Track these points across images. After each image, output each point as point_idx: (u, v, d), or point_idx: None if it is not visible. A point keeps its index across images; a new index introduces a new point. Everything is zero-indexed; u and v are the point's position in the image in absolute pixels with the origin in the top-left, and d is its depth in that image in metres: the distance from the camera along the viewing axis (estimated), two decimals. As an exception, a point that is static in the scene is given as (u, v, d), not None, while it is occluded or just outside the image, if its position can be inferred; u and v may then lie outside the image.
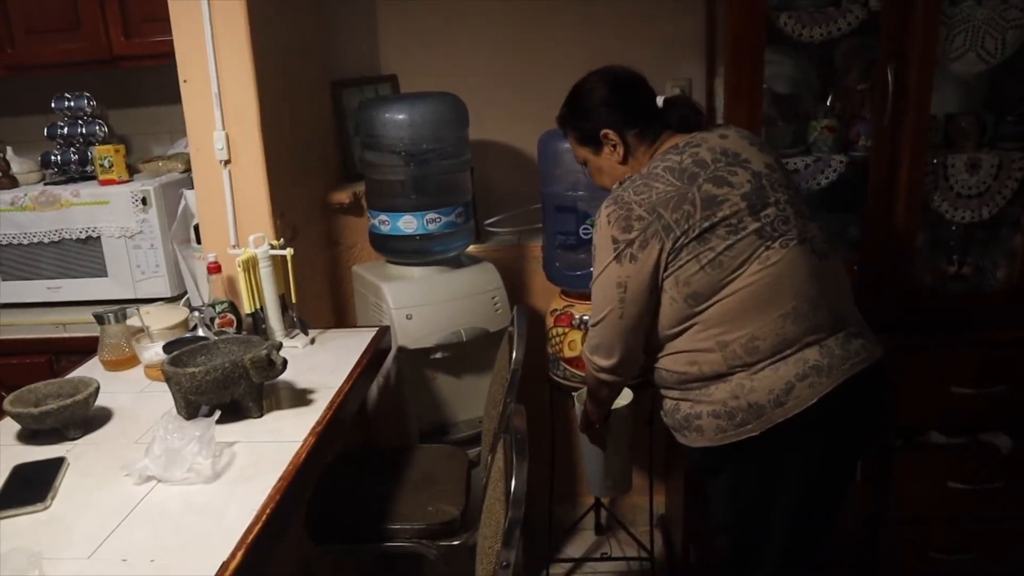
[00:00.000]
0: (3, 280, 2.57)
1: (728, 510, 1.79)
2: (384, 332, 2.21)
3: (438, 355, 2.37)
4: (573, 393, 2.41)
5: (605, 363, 1.77)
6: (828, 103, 2.42)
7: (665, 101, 1.85)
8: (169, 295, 2.51)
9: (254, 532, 1.30)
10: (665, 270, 1.65)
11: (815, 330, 1.63)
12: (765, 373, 1.62)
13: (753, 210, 1.64)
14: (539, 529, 2.78)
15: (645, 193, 1.66)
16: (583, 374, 2.31)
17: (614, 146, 1.80)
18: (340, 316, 2.70)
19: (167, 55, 2.16)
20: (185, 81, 2.13)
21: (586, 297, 2.16)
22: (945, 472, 2.37)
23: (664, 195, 1.64)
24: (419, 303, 2.33)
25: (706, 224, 1.62)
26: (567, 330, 2.43)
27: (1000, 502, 2.37)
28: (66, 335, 2.45)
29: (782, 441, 1.63)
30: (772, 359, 1.62)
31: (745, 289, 1.62)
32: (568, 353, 2.43)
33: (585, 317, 2.34)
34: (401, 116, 2.30)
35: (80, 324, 2.39)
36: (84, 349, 2.14)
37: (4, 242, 2.53)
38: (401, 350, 2.32)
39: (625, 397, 2.26)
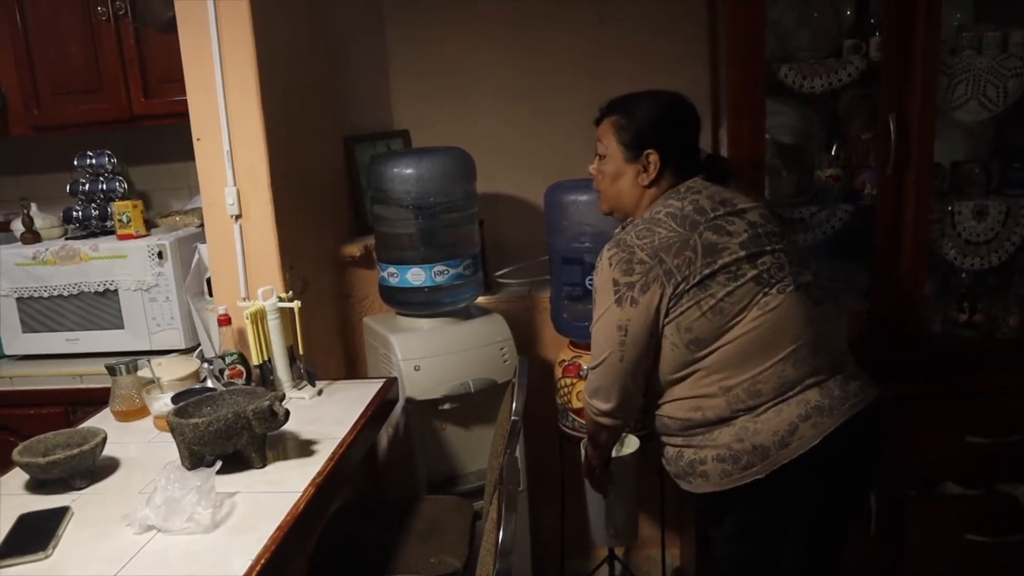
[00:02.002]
0: (24, 332, 2.63)
1: (736, 555, 1.79)
2: (391, 383, 2.23)
3: (446, 406, 2.38)
4: (582, 442, 2.40)
5: (603, 406, 1.78)
6: (833, 152, 2.44)
7: (707, 156, 1.87)
8: (183, 347, 2.55)
9: (248, 582, 1.31)
10: (666, 316, 1.67)
11: (815, 372, 1.65)
12: (768, 415, 1.63)
13: (751, 258, 1.66)
14: (551, 582, 2.76)
15: (648, 237, 1.69)
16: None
17: (645, 168, 1.79)
18: (352, 367, 2.72)
19: (185, 114, 2.22)
20: (199, 139, 2.19)
21: (593, 347, 2.17)
22: (961, 524, 2.32)
23: (667, 240, 1.67)
24: (427, 354, 2.35)
25: (707, 271, 1.64)
26: (575, 381, 2.43)
27: (1020, 555, 2.31)
28: (82, 386, 2.50)
29: (787, 482, 1.63)
30: (774, 401, 1.63)
31: (746, 335, 1.64)
32: (576, 404, 2.43)
33: (591, 367, 2.35)
34: (408, 171, 2.35)
35: (96, 375, 2.43)
36: (99, 400, 2.17)
37: (26, 295, 2.59)
38: (409, 401, 2.33)
39: (630, 445, 2.26)
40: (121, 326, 2.57)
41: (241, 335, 2.18)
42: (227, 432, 1.65)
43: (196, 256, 2.50)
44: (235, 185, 2.19)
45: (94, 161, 2.76)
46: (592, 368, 1.79)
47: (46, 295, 2.59)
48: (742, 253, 1.66)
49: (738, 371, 1.64)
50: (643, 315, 1.67)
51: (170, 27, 2.18)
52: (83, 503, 1.61)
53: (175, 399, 1.88)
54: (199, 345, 2.54)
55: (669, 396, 1.74)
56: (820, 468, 1.63)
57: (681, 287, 1.64)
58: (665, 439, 1.81)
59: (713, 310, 1.64)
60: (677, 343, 1.67)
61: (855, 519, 1.79)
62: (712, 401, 1.67)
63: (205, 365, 2.09)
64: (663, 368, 1.72)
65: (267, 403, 1.68)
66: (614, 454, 2.12)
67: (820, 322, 1.68)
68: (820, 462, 1.62)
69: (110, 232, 2.70)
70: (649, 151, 1.78)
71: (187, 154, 2.25)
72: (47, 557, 1.42)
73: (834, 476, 1.66)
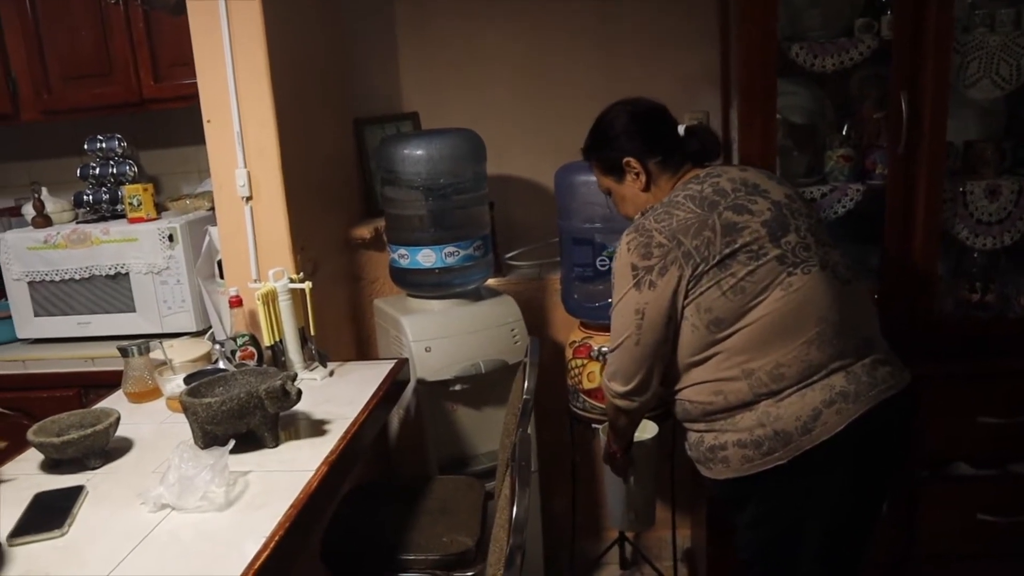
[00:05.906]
0: (36, 316, 2.64)
1: (756, 541, 1.77)
2: (402, 364, 2.23)
3: (457, 387, 2.38)
4: (595, 426, 2.41)
5: (620, 389, 1.78)
6: (844, 132, 2.41)
7: (686, 130, 1.88)
8: (195, 329, 2.56)
9: (262, 559, 1.31)
10: (686, 297, 1.66)
11: (840, 356, 1.63)
12: (791, 400, 1.61)
13: (773, 237, 1.65)
14: (563, 563, 2.76)
15: (666, 221, 1.68)
16: (603, 405, 2.31)
17: (636, 174, 1.83)
18: (363, 349, 2.73)
19: (195, 97, 2.22)
20: (208, 121, 2.19)
21: (604, 329, 2.17)
22: (974, 504, 2.31)
23: (685, 222, 1.66)
24: (438, 336, 2.35)
25: (727, 251, 1.63)
26: (586, 362, 2.43)
27: (1032, 535, 2.31)
28: (95, 368, 2.51)
29: (809, 469, 1.62)
30: (798, 386, 1.61)
31: (768, 316, 1.62)
32: (587, 385, 2.43)
33: (603, 348, 2.35)
34: (419, 152, 2.34)
35: (108, 358, 2.45)
36: (112, 382, 2.19)
37: (38, 279, 2.61)
38: (420, 382, 2.34)
39: (649, 430, 2.25)
40: (133, 309, 2.59)
41: (252, 317, 2.19)
42: (240, 412, 1.66)
43: (207, 239, 2.51)
44: (245, 167, 2.20)
45: (104, 145, 2.76)
46: (611, 351, 1.79)
47: (58, 279, 2.60)
48: (763, 232, 1.64)
49: (760, 353, 1.63)
50: (661, 298, 1.67)
51: (179, 10, 2.18)
52: (97, 482, 1.63)
53: (187, 380, 1.89)
54: (211, 328, 2.54)
55: (689, 380, 1.73)
56: (844, 455, 1.61)
57: (700, 268, 1.63)
58: (686, 424, 1.80)
59: (734, 289, 1.62)
60: (697, 324, 1.66)
61: (880, 509, 1.77)
62: (734, 384, 1.65)
63: (217, 347, 2.10)
64: (682, 351, 1.71)
65: (279, 383, 1.68)
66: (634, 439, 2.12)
67: (847, 303, 1.66)
68: (844, 449, 1.60)
69: (121, 216, 2.71)
70: (625, 160, 1.84)
71: (197, 138, 2.26)
72: (63, 535, 1.43)
73: (859, 464, 1.64)
